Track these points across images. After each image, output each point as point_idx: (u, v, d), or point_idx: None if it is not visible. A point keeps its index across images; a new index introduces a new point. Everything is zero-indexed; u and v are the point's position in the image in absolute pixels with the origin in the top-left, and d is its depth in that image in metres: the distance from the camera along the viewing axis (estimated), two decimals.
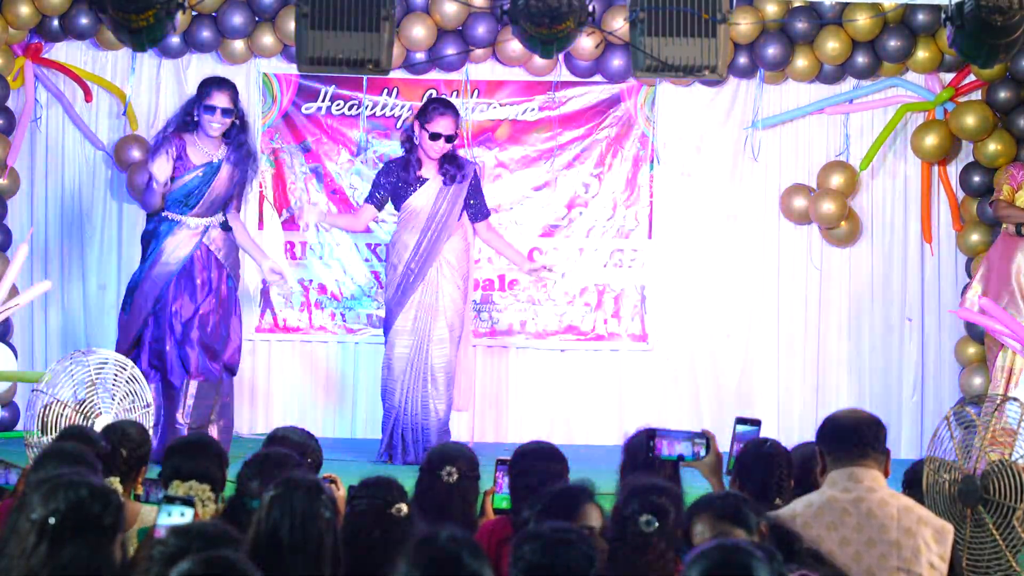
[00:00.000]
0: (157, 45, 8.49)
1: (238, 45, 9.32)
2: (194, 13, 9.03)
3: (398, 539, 4.19)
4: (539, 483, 5.02)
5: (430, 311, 8.23)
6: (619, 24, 8.82)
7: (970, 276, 9.17)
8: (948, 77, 9.39)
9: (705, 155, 9.61)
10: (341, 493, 4.90)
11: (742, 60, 9.29)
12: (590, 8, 7.58)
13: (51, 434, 6.75)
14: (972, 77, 9.30)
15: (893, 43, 9.17)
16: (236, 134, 8.05)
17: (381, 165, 8.66)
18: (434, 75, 9.45)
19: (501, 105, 9.57)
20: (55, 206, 9.48)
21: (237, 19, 9.17)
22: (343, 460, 8.11)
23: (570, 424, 9.57)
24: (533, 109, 9.58)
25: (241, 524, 3.95)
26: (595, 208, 9.60)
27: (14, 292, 8.19)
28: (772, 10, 9.17)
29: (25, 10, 8.98)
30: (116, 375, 7.05)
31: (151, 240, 8.12)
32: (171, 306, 8.02)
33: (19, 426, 8.84)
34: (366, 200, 8.46)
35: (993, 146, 9.15)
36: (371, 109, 9.52)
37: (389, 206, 8.47)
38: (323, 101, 9.53)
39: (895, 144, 9.54)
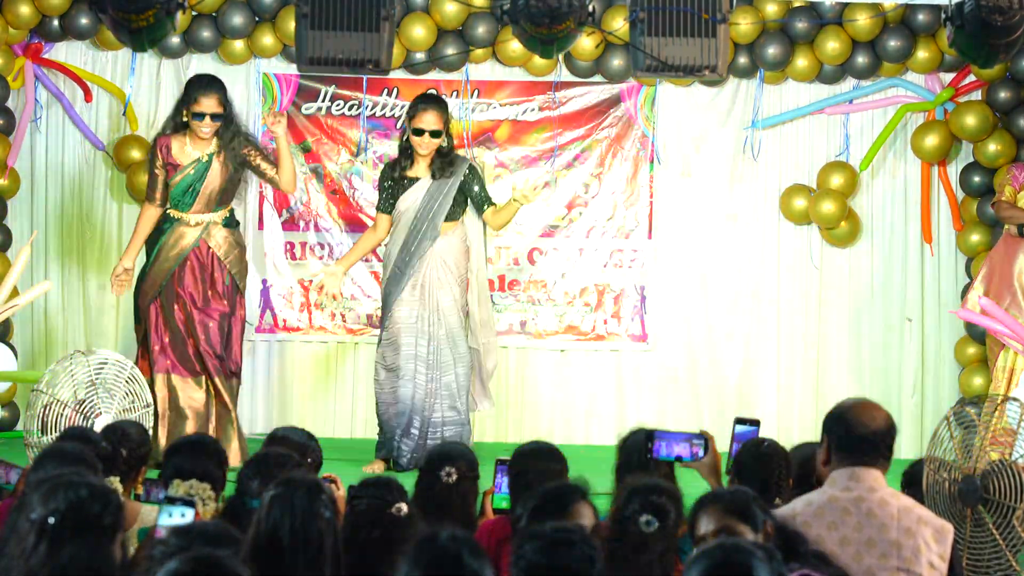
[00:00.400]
0: (157, 45, 8.50)
1: (238, 45, 9.32)
2: (194, 13, 9.03)
3: (398, 539, 4.19)
4: (539, 483, 5.03)
5: (430, 311, 8.13)
6: (619, 24, 8.82)
7: (970, 276, 9.17)
8: (948, 77, 9.39)
9: (705, 155, 9.61)
10: (341, 493, 4.90)
11: (742, 60, 9.29)
12: (590, 8, 7.58)
13: (51, 434, 6.76)
14: (972, 77, 9.31)
15: (893, 43, 9.17)
16: (224, 131, 8.02)
17: (381, 167, 8.59)
18: (434, 75, 9.45)
19: (501, 105, 9.57)
20: (55, 206, 9.48)
21: (237, 19, 9.17)
22: (343, 460, 8.12)
23: (570, 424, 9.57)
24: (533, 109, 9.58)
25: (241, 524, 3.95)
26: (595, 208, 9.60)
27: (14, 292, 8.18)
28: (772, 10, 9.17)
29: (25, 10, 8.98)
30: (116, 375, 7.05)
31: (151, 238, 8.12)
32: (179, 300, 8.00)
33: (19, 426, 8.83)
34: (378, 210, 8.31)
35: (993, 146, 9.15)
36: (371, 109, 9.53)
37: None
38: (323, 101, 9.53)
39: (895, 144, 9.54)
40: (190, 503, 3.95)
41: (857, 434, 4.37)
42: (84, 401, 6.97)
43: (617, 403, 9.58)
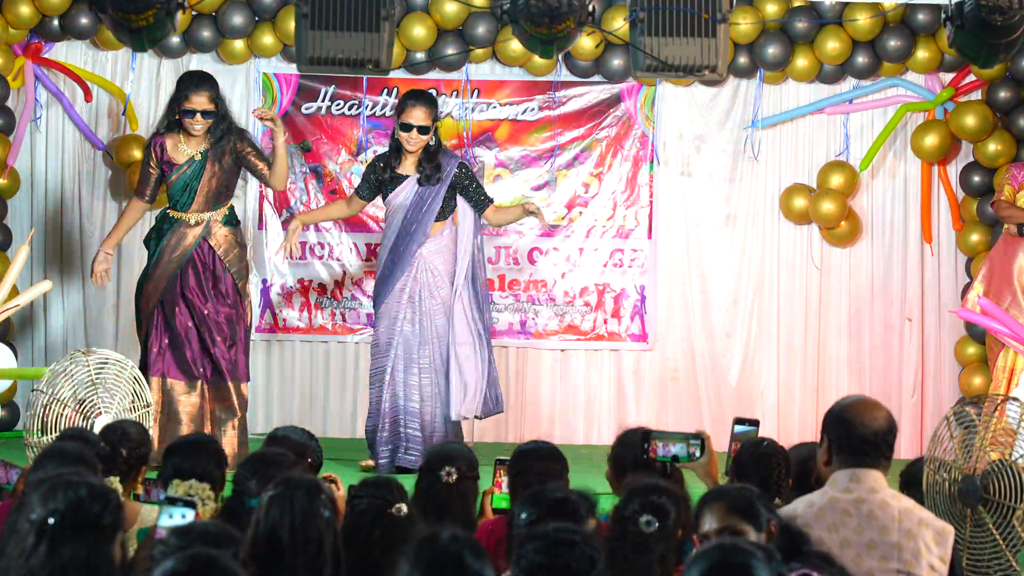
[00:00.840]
0: (157, 45, 8.50)
1: (238, 45, 9.32)
2: (194, 13, 9.03)
3: (398, 539, 4.19)
4: (539, 483, 5.03)
5: (417, 312, 8.07)
6: (619, 24, 8.82)
7: (970, 276, 9.18)
8: (948, 77, 9.39)
9: (705, 155, 9.61)
10: (341, 493, 4.91)
11: (742, 60, 9.29)
12: (590, 8, 7.58)
13: (51, 434, 6.75)
14: (972, 77, 9.31)
15: (893, 43, 9.18)
16: (215, 127, 8.00)
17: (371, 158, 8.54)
18: (434, 75, 9.45)
19: (501, 105, 9.57)
20: (55, 206, 9.48)
21: (237, 19, 9.17)
22: (343, 460, 8.12)
23: (570, 424, 9.57)
24: (533, 109, 9.58)
25: (239, 524, 3.95)
26: (595, 208, 9.60)
27: (14, 292, 8.18)
28: (772, 10, 9.18)
29: (25, 10, 8.98)
30: (116, 375, 7.05)
31: (152, 239, 8.09)
32: (183, 302, 7.98)
33: (19, 426, 8.84)
34: (356, 192, 8.34)
35: (993, 146, 9.16)
36: (371, 109, 9.53)
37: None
38: (323, 101, 9.53)
39: (895, 144, 9.55)
40: (190, 504, 3.95)
41: (858, 435, 4.35)
42: (84, 401, 6.96)
43: (617, 403, 9.58)
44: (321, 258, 9.55)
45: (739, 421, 5.30)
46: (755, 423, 5.32)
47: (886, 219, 9.58)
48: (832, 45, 9.21)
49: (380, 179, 8.15)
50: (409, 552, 3.10)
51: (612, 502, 4.26)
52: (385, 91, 9.50)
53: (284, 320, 9.57)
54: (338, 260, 9.53)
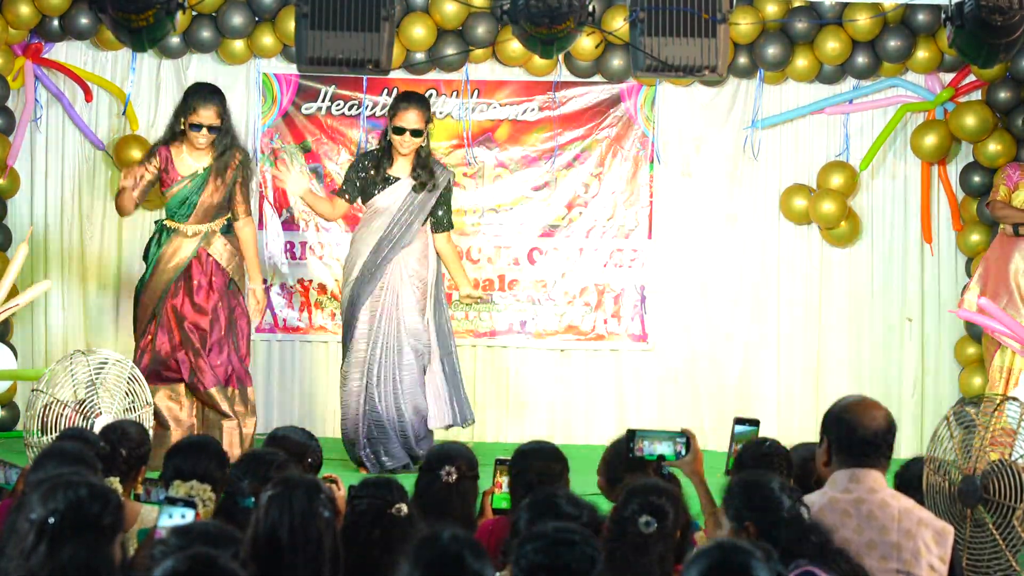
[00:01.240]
0: (157, 45, 8.50)
1: (238, 45, 9.31)
2: (194, 13, 9.03)
3: (398, 539, 4.19)
4: (539, 483, 5.03)
5: (390, 311, 8.04)
6: (619, 24, 8.82)
7: (970, 276, 9.17)
8: (948, 77, 9.39)
9: (705, 155, 9.61)
10: (341, 493, 4.90)
11: (742, 60, 9.29)
12: (590, 8, 7.59)
13: (51, 434, 6.76)
14: (972, 77, 9.31)
15: (893, 43, 9.18)
16: (219, 141, 7.99)
17: (355, 157, 8.46)
18: (434, 75, 9.45)
19: (501, 105, 9.57)
20: (55, 206, 9.48)
21: (237, 19, 9.17)
22: (343, 460, 8.11)
23: (570, 424, 9.57)
24: (533, 109, 9.58)
25: (233, 524, 3.94)
26: (595, 208, 9.60)
27: (14, 292, 8.18)
28: (772, 10, 9.17)
29: (25, 10, 8.98)
30: (116, 375, 7.05)
31: (150, 248, 8.08)
32: (174, 313, 7.97)
33: (19, 426, 8.83)
34: (339, 194, 8.23)
35: (993, 146, 9.15)
36: (371, 109, 9.53)
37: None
38: (323, 101, 9.53)
39: (895, 144, 9.55)
40: (190, 504, 3.95)
41: (858, 435, 4.35)
42: (84, 401, 6.97)
43: (617, 403, 9.58)
44: (321, 258, 9.55)
45: (739, 421, 5.31)
46: (755, 423, 5.32)
47: (886, 219, 9.58)
48: (832, 45, 9.21)
49: (367, 179, 8.10)
50: (410, 552, 3.10)
51: (606, 504, 4.26)
52: (385, 91, 9.49)
53: (284, 320, 9.57)
54: (338, 260, 9.52)
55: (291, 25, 8.30)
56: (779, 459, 5.07)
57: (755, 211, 9.60)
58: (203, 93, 8.01)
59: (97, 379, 6.99)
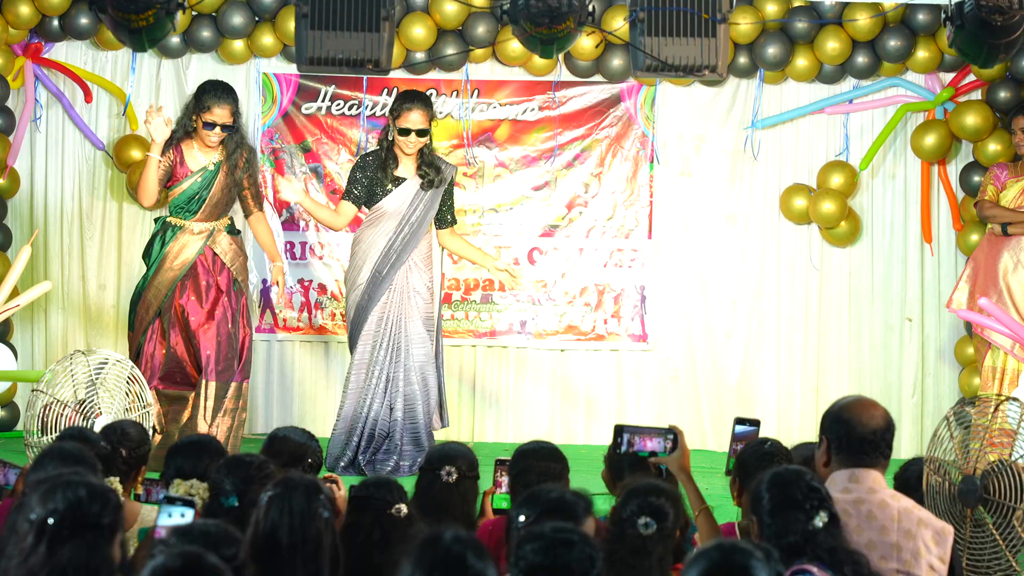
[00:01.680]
0: (157, 45, 8.50)
1: (238, 45, 9.32)
2: (194, 13, 9.03)
3: (398, 539, 4.19)
4: (539, 483, 5.03)
5: (398, 314, 7.96)
6: (619, 24, 8.83)
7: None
8: (948, 77, 9.39)
9: (705, 155, 9.61)
10: (341, 493, 4.91)
11: (742, 60, 9.29)
12: (590, 8, 7.58)
13: (51, 434, 6.76)
14: (972, 77, 9.31)
15: (893, 43, 9.18)
16: (229, 139, 7.98)
17: (356, 159, 8.34)
18: (434, 75, 9.45)
19: (501, 105, 9.57)
20: (55, 206, 9.48)
21: (237, 19, 9.17)
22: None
23: (570, 424, 9.57)
24: (533, 109, 9.58)
25: None
26: (595, 208, 9.60)
27: (15, 292, 8.18)
28: (772, 10, 9.17)
29: (25, 10, 8.98)
30: (116, 375, 7.05)
31: (153, 245, 8.05)
32: (179, 310, 7.96)
33: (19, 426, 8.84)
34: (344, 198, 8.08)
35: (993, 146, 9.15)
36: (371, 109, 9.53)
37: None
38: (323, 101, 9.53)
39: (895, 144, 9.55)
40: (190, 503, 3.95)
41: (857, 434, 4.36)
42: (84, 401, 6.97)
43: (617, 403, 9.58)
44: (321, 258, 9.55)
45: (740, 421, 5.31)
46: (756, 423, 5.32)
47: (886, 219, 9.58)
48: (832, 45, 9.21)
49: (373, 179, 8.01)
50: (412, 552, 3.10)
51: (610, 503, 4.26)
52: (385, 91, 9.49)
53: (284, 320, 9.57)
54: (338, 260, 9.52)
55: (291, 25, 8.31)
56: (780, 459, 5.06)
57: (755, 211, 9.60)
58: (217, 92, 7.96)
59: (97, 379, 6.99)
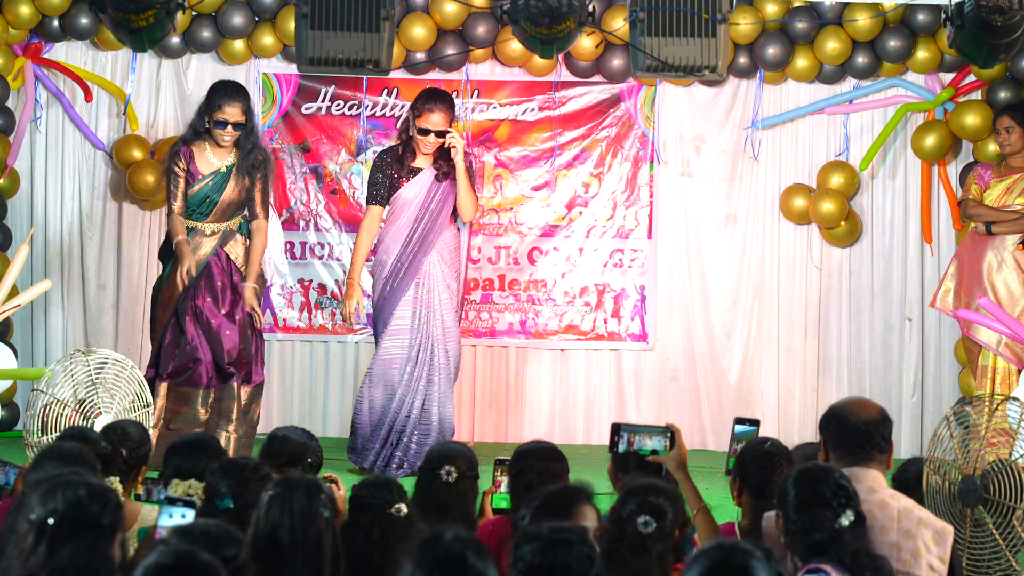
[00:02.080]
0: (157, 45, 8.50)
1: (238, 45, 9.32)
2: (194, 13, 9.03)
3: (398, 539, 4.19)
4: (538, 483, 5.03)
5: (428, 308, 7.93)
6: (619, 24, 8.83)
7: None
8: (948, 77, 9.39)
9: (705, 155, 9.61)
10: (341, 493, 4.91)
11: (742, 60, 9.29)
12: (590, 8, 7.59)
13: (51, 434, 6.75)
14: (972, 77, 9.31)
15: (893, 43, 9.18)
16: (244, 140, 7.96)
17: (374, 158, 8.30)
18: (434, 75, 9.45)
19: (501, 105, 9.57)
20: (55, 206, 9.48)
21: (237, 19, 9.17)
22: (343, 460, 8.11)
23: (570, 424, 9.57)
24: (533, 109, 9.58)
25: None
26: (595, 208, 9.60)
27: (14, 292, 8.18)
28: (772, 10, 9.18)
29: (25, 10, 8.98)
30: (116, 375, 7.04)
31: (167, 248, 8.03)
32: (194, 311, 7.94)
33: (19, 426, 8.83)
34: (370, 202, 8.04)
35: (993, 146, 9.14)
36: (371, 109, 9.53)
37: None
38: (323, 101, 9.53)
39: (895, 144, 9.55)
40: (191, 504, 3.95)
41: (850, 425, 4.41)
42: (84, 401, 6.96)
43: (617, 403, 9.58)
44: (321, 258, 9.55)
45: (740, 421, 5.31)
46: (756, 423, 5.32)
47: (886, 219, 9.58)
48: (832, 45, 9.21)
49: (394, 175, 7.96)
50: (412, 552, 3.10)
51: (610, 503, 4.26)
52: (385, 91, 9.50)
53: (284, 320, 9.57)
54: (338, 260, 9.53)
55: (291, 25, 8.31)
56: (780, 459, 5.06)
57: (755, 211, 9.59)
58: (228, 90, 7.96)
59: (97, 379, 6.98)
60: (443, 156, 7.98)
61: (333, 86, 9.49)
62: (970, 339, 8.63)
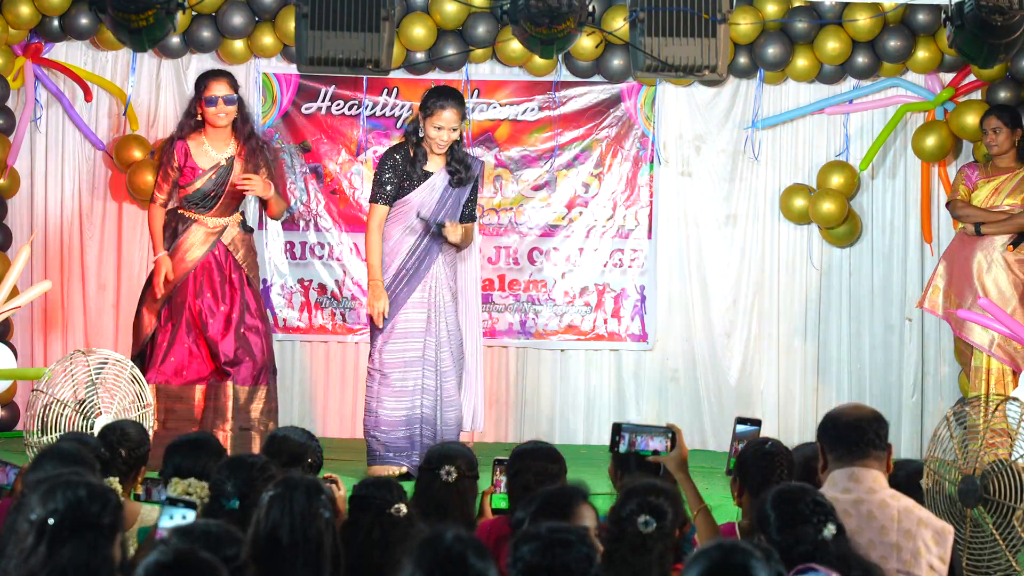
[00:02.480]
0: (157, 45, 8.50)
1: (238, 45, 9.31)
2: (194, 13, 9.03)
3: (398, 539, 4.20)
4: (536, 483, 5.04)
5: (435, 310, 7.82)
6: (619, 24, 8.82)
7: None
8: (948, 77, 9.39)
9: (705, 155, 9.61)
10: (341, 493, 4.91)
11: (742, 60, 9.29)
12: (590, 8, 7.58)
13: (51, 434, 6.75)
14: (972, 77, 9.31)
15: (893, 43, 9.18)
16: (241, 127, 7.96)
17: (381, 157, 8.04)
18: (434, 75, 9.45)
19: (501, 105, 9.57)
20: (55, 206, 9.48)
21: (237, 19, 9.17)
22: (343, 460, 8.11)
23: (570, 424, 9.57)
24: (533, 109, 9.58)
25: None
26: (595, 208, 9.60)
27: (14, 292, 8.18)
28: (772, 10, 9.18)
29: (25, 10, 8.97)
30: (116, 375, 7.05)
31: (166, 240, 7.96)
32: (192, 307, 7.93)
33: (19, 426, 8.84)
34: (376, 201, 7.80)
35: None
36: (371, 109, 9.53)
37: None
38: (323, 101, 9.53)
39: (895, 144, 9.55)
40: (191, 504, 3.95)
41: (843, 422, 4.45)
42: (84, 401, 6.96)
43: (617, 403, 9.58)
44: (321, 258, 9.55)
45: (741, 421, 5.31)
46: (757, 423, 5.32)
47: (886, 219, 9.58)
48: (832, 45, 9.21)
49: (403, 175, 7.76)
50: (412, 552, 3.10)
51: (610, 503, 4.26)
52: (385, 91, 9.50)
53: (284, 320, 9.57)
54: (338, 260, 9.53)
55: (291, 25, 8.31)
56: (780, 459, 5.07)
57: (755, 211, 9.59)
58: (212, 71, 8.06)
59: (97, 379, 6.99)
60: (457, 159, 7.80)
61: (333, 86, 9.49)
62: (962, 340, 8.63)
